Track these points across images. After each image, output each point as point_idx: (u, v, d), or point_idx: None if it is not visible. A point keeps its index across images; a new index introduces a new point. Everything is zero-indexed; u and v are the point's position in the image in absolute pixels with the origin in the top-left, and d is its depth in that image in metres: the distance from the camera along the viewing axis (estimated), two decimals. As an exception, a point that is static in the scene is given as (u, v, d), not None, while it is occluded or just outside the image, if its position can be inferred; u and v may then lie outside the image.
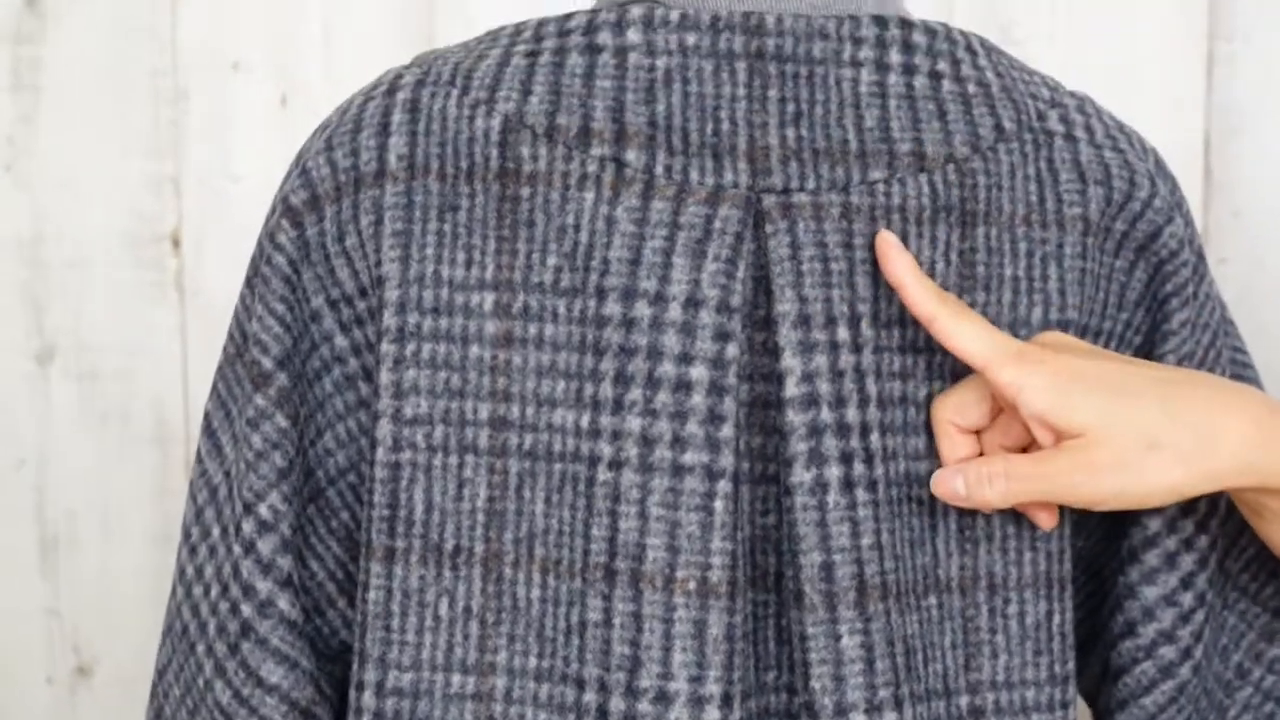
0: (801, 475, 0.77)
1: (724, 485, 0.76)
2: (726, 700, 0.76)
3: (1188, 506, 0.84)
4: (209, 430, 0.85)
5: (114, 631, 1.44)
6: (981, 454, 0.80)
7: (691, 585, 0.76)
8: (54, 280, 1.42)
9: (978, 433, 0.80)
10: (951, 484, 0.77)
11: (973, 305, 0.80)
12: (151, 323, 1.42)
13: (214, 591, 0.82)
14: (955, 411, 0.79)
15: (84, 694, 1.43)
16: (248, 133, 1.41)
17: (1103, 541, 0.89)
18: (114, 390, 1.43)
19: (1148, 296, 0.85)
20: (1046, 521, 0.80)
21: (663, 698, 0.76)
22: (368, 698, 0.80)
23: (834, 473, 0.77)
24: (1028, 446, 0.79)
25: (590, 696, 0.77)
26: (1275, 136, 1.41)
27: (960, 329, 0.76)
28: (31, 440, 1.43)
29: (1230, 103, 1.41)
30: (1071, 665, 0.84)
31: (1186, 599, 0.85)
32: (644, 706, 0.76)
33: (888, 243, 0.77)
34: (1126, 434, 0.75)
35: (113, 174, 1.41)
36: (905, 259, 0.76)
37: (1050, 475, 0.76)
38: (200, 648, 0.82)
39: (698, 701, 0.76)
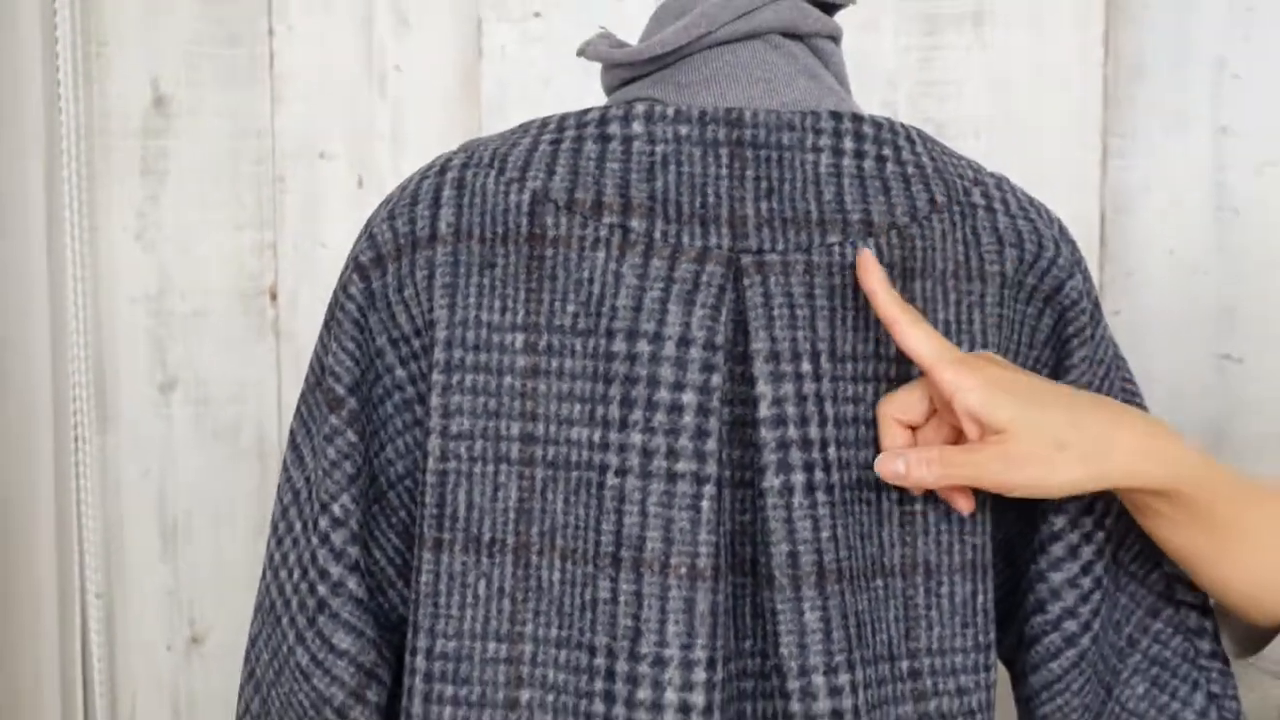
0: (772, 481, 0.76)
1: (709, 489, 0.76)
2: (711, 663, 0.75)
3: (1087, 507, 0.83)
4: (293, 444, 0.84)
5: (220, 608, 1.43)
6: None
7: (683, 570, 0.75)
8: (175, 326, 1.42)
9: (914, 429, 0.79)
10: (893, 465, 0.77)
11: None
12: (253, 359, 1.42)
13: (295, 574, 0.81)
14: (899, 409, 0.78)
15: (196, 659, 1.43)
16: (331, 208, 1.41)
17: (1018, 535, 0.88)
18: (223, 414, 1.42)
19: (1053, 337, 0.84)
20: (965, 506, 0.79)
21: (659, 661, 0.75)
22: (420, 660, 0.79)
23: (799, 479, 0.76)
24: (955, 443, 0.78)
25: (600, 660, 0.76)
26: (1156, 213, 1.41)
27: (914, 333, 0.75)
28: (155, 454, 1.43)
29: (1120, 186, 1.41)
30: (993, 636, 0.82)
31: (1086, 582, 0.84)
32: (644, 668, 0.75)
33: (866, 256, 0.77)
34: (1039, 434, 0.75)
35: (223, 241, 1.42)
36: (878, 272, 0.76)
37: (976, 463, 0.75)
38: (284, 620, 0.82)
39: (688, 664, 0.75)
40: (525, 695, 0.78)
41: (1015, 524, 0.88)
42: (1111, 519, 0.85)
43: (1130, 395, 0.90)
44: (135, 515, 1.43)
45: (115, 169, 1.41)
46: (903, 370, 0.80)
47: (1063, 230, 0.86)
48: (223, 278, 1.42)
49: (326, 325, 0.83)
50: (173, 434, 1.42)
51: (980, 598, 0.82)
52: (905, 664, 0.80)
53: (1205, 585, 0.85)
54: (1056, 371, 0.84)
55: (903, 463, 0.77)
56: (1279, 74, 1.40)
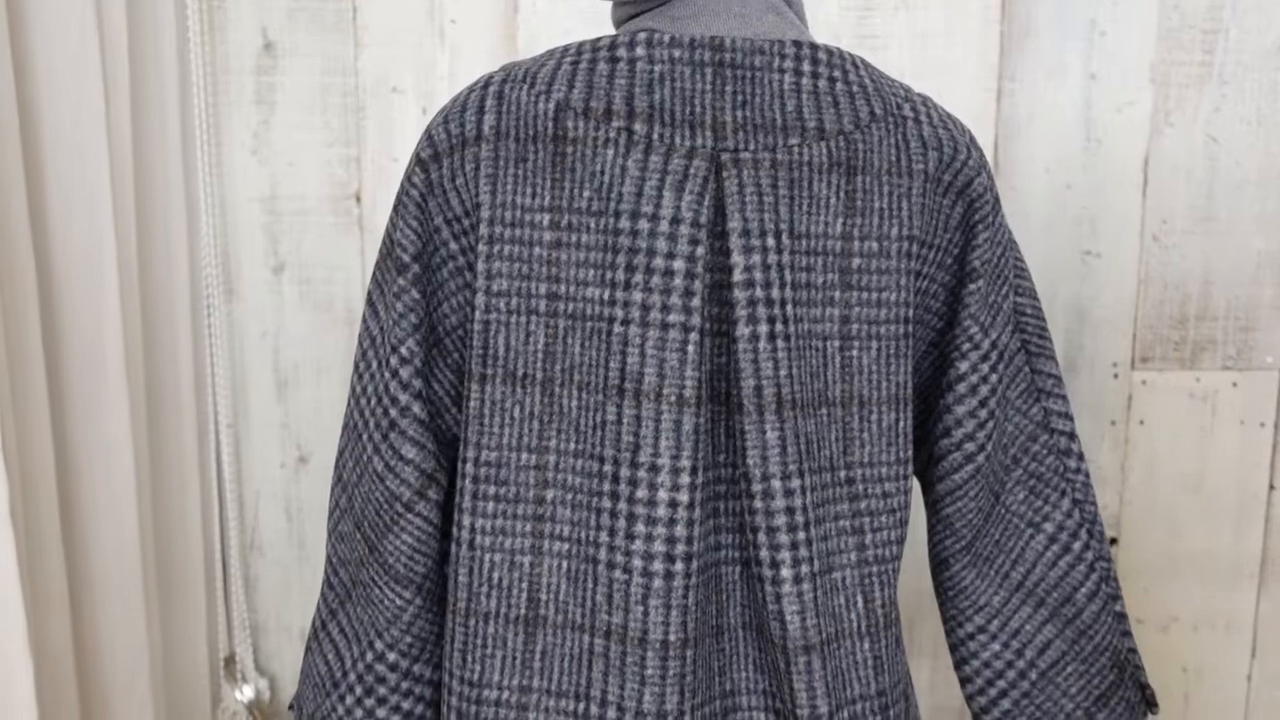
0: (743, 330, 0.72)
1: (694, 336, 0.72)
2: (694, 470, 0.72)
3: (984, 356, 0.80)
4: (370, 302, 0.80)
5: (319, 437, 1.40)
6: None
7: (673, 398, 0.72)
8: (283, 222, 1.37)
9: None
10: None
11: (853, 226, 0.75)
12: (342, 248, 1.37)
13: (372, 401, 0.78)
14: None
15: (302, 474, 1.40)
16: (401, 131, 1.35)
17: (930, 382, 0.84)
18: (320, 290, 1.38)
19: (963, 223, 0.80)
20: None
21: (654, 468, 0.72)
22: (469, 467, 0.76)
23: (763, 329, 0.72)
24: None
25: (608, 468, 0.73)
26: (1037, 140, 1.36)
27: None
28: (270, 320, 1.38)
29: (1010, 118, 1.35)
30: (910, 454, 0.79)
31: (982, 414, 0.80)
32: (642, 474, 0.72)
33: None
34: None
35: (319, 156, 1.36)
36: None
37: None
38: (364, 436, 0.78)
39: (675, 471, 0.72)
40: (550, 494, 0.75)
41: (929, 373, 0.84)
42: (1004, 365, 0.81)
43: (1020, 272, 0.86)
44: (255, 366, 1.39)
45: (234, 99, 1.34)
46: (847, 247, 0.76)
47: (973, 139, 0.81)
48: (318, 185, 1.36)
49: (395, 209, 0.79)
50: (283, 305, 1.38)
51: (901, 424, 0.79)
52: (843, 473, 0.77)
53: None
54: (964, 249, 0.80)
55: None
56: (1137, 33, 1.34)
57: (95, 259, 1.12)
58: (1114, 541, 1.43)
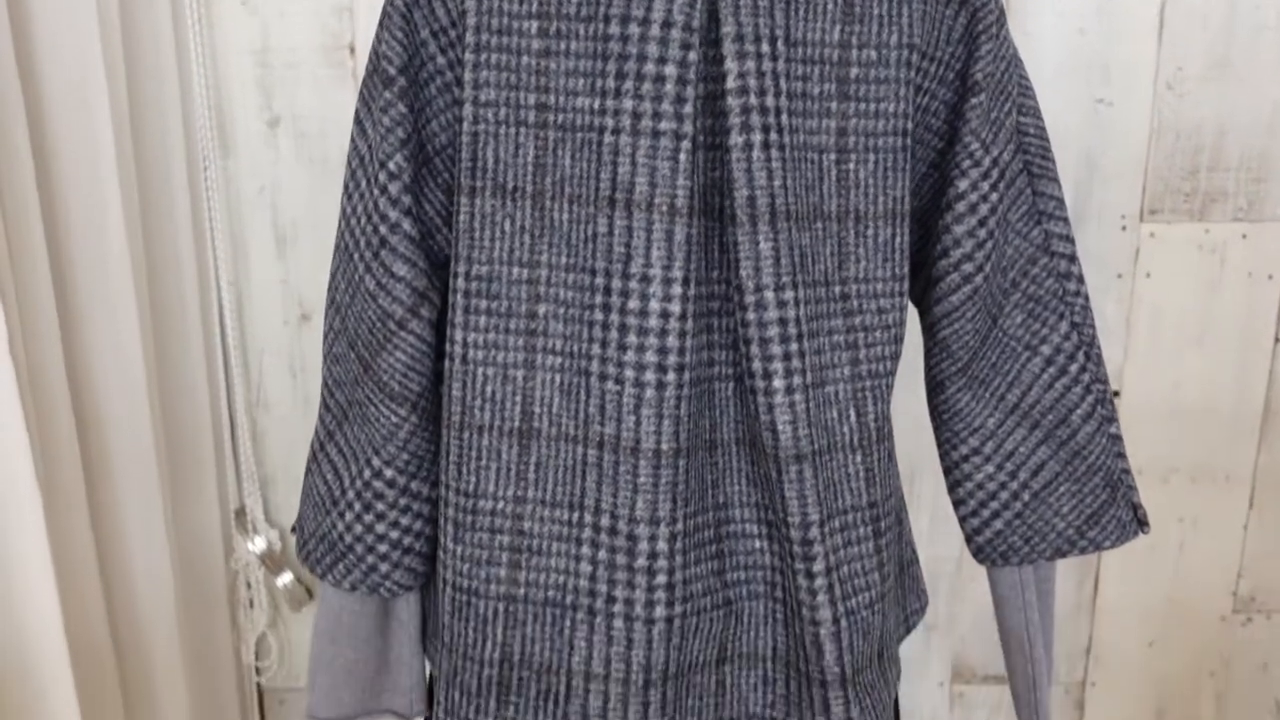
0: (736, 139, 0.70)
1: (686, 144, 0.70)
2: (685, 282, 0.71)
3: (985, 174, 0.78)
4: (357, 120, 0.79)
5: (321, 294, 1.39)
6: None
7: (664, 208, 0.70)
8: (277, 75, 1.34)
9: None
10: None
11: (851, 34, 0.73)
12: (337, 101, 1.34)
13: (363, 220, 0.77)
14: None
15: (305, 331, 1.40)
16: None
17: (930, 204, 0.83)
18: (316, 144, 1.36)
19: (966, 35, 0.77)
20: None
21: (645, 279, 0.71)
22: (460, 282, 0.75)
23: (757, 138, 0.70)
24: None
25: (600, 280, 0.72)
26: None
27: None
28: (268, 175, 1.37)
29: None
30: (906, 270, 0.78)
31: (981, 233, 0.79)
32: (633, 285, 0.71)
33: None
34: None
35: (311, 7, 1.32)
36: None
37: None
38: (355, 255, 0.78)
39: (667, 281, 0.71)
40: (542, 308, 0.74)
41: (929, 197, 0.82)
42: (1004, 184, 0.80)
43: (1025, 91, 0.83)
44: (254, 223, 1.38)
45: (222, -54, 1.30)
46: (844, 55, 0.73)
47: None
48: (311, 36, 1.33)
49: (380, 24, 0.77)
50: (279, 159, 1.36)
51: (898, 239, 0.77)
52: (838, 288, 0.76)
53: None
54: (967, 63, 0.77)
55: None
56: None
57: (87, 108, 1.10)
58: (1116, 394, 1.43)
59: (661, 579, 0.72)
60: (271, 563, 1.41)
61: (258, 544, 1.41)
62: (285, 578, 1.42)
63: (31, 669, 0.95)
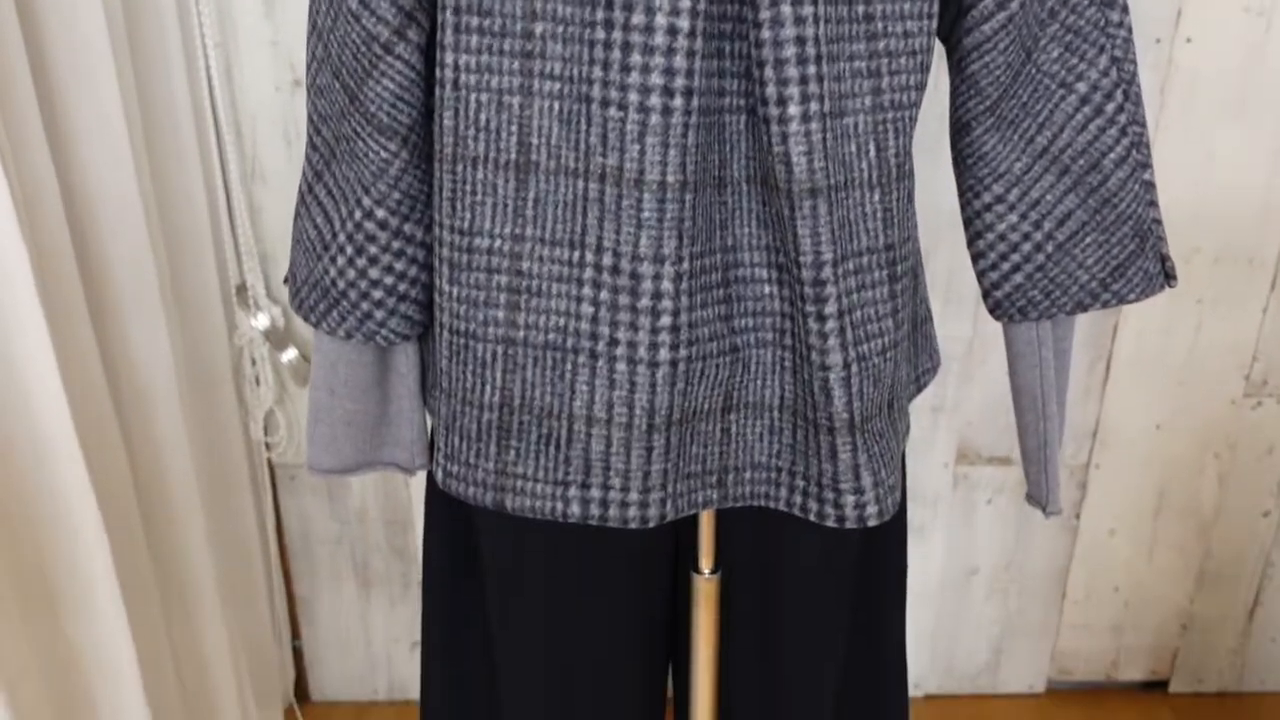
0: None
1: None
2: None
3: None
4: None
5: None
6: None
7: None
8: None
9: None
10: None
11: None
12: None
13: None
14: None
15: (298, 95, 1.34)
16: None
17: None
18: None
19: None
20: None
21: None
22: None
23: None
24: None
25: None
26: None
27: None
28: None
29: None
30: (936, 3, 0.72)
31: (1020, -47, 0.72)
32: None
33: None
34: None
35: None
36: None
37: None
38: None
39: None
40: (539, 27, 0.68)
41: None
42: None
43: None
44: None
45: None
46: None
47: None
48: None
49: None
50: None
51: None
52: (861, 8, 0.69)
53: None
54: None
55: None
56: None
57: None
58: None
59: (666, 320, 0.69)
60: (275, 339, 1.40)
61: (260, 320, 1.39)
62: (290, 354, 1.41)
63: (40, 443, 0.94)
